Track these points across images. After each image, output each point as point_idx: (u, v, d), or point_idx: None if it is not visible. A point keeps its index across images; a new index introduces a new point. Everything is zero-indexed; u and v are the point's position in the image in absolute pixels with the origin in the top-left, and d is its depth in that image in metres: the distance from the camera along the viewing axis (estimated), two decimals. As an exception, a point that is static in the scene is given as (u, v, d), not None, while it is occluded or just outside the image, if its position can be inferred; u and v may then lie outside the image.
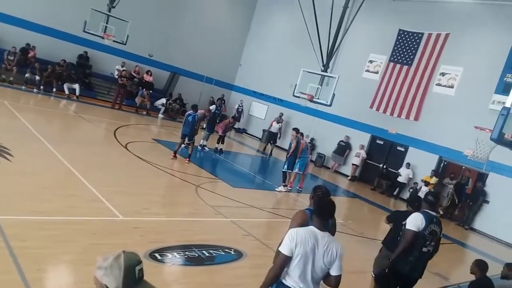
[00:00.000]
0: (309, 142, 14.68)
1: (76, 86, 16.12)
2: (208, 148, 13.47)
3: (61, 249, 4.63)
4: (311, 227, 3.11)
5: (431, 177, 13.62)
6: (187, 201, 8.02)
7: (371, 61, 16.66)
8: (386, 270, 4.67)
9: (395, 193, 14.74)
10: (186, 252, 5.37)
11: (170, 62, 19.80)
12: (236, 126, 19.26)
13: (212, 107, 13.67)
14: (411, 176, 14.39)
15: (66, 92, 15.94)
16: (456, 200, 13.24)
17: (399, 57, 15.74)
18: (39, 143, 8.62)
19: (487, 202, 12.77)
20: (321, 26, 16.79)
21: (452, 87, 14.15)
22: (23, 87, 14.97)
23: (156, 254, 5.03)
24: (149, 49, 19.23)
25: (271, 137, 17.28)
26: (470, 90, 13.53)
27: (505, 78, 12.68)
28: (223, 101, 18.67)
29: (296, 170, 10.87)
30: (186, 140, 11.15)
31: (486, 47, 13.42)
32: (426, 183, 13.50)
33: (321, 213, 3.14)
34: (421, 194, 12.71)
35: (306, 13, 16.78)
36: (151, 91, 18.22)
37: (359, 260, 6.77)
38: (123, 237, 5.44)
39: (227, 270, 5.32)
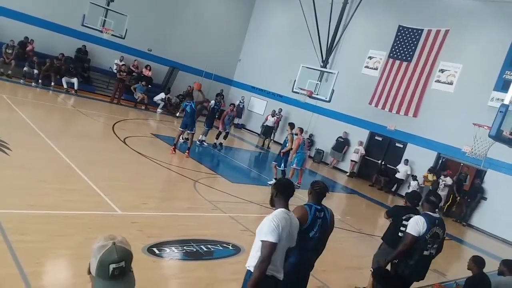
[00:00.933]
0: (307, 138, 14.68)
1: (75, 80, 16.08)
2: (207, 143, 13.46)
3: (59, 243, 4.63)
4: (281, 209, 3.13)
5: (431, 174, 13.59)
6: (185, 196, 8.02)
7: (370, 57, 16.62)
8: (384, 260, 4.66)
9: (393, 189, 14.81)
10: (184, 247, 5.38)
11: (169, 56, 19.77)
12: (236, 121, 19.29)
13: (212, 102, 13.66)
14: (409, 173, 14.43)
15: (65, 86, 15.89)
16: (458, 197, 13.24)
17: (398, 53, 15.72)
18: (37, 137, 8.60)
19: (485, 198, 12.82)
20: (320, 22, 16.76)
21: (451, 83, 14.15)
22: (21, 80, 14.92)
23: (154, 249, 5.04)
24: (148, 44, 19.18)
25: (267, 132, 17.27)
26: (469, 87, 13.54)
27: (504, 75, 12.68)
28: (222, 97, 18.60)
29: (294, 165, 10.88)
30: (187, 131, 10.96)
31: (486, 44, 13.41)
32: (414, 177, 13.67)
33: (287, 192, 3.21)
34: (410, 189, 12.75)
35: (305, 9, 16.75)
36: (149, 86, 18.17)
37: (356, 256, 6.77)
38: (121, 232, 5.33)
39: (225, 264, 5.33)
